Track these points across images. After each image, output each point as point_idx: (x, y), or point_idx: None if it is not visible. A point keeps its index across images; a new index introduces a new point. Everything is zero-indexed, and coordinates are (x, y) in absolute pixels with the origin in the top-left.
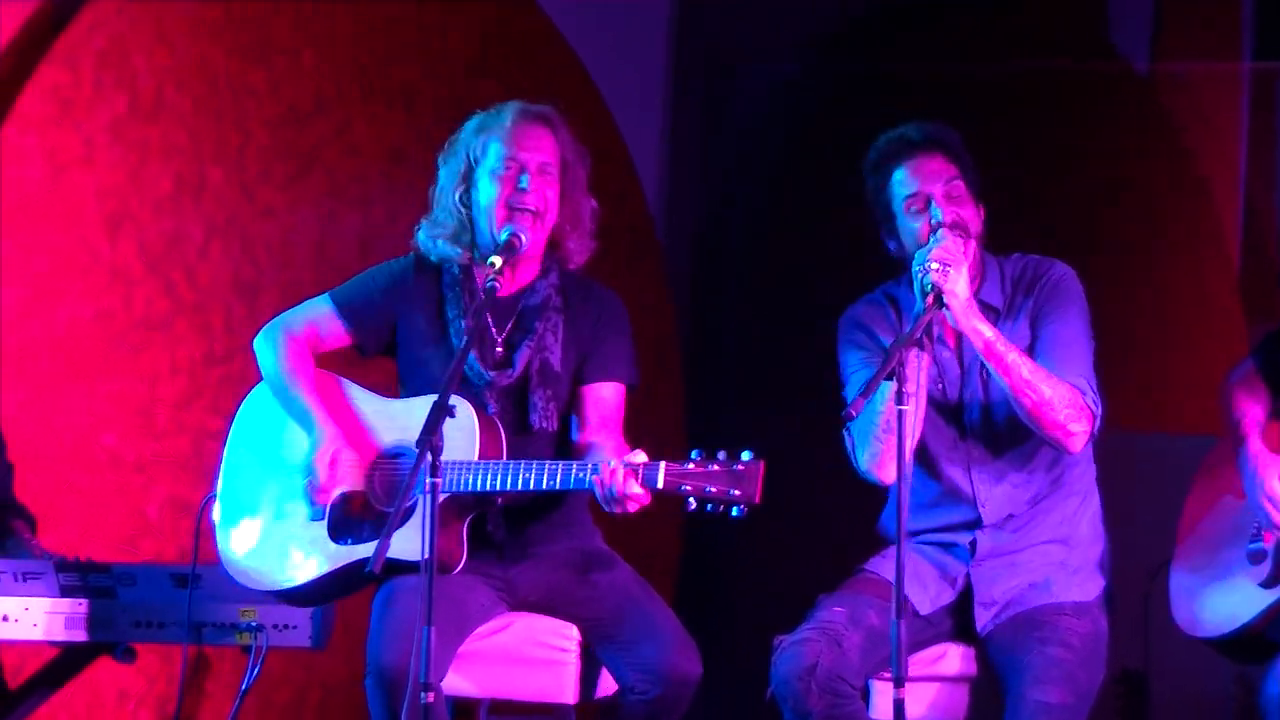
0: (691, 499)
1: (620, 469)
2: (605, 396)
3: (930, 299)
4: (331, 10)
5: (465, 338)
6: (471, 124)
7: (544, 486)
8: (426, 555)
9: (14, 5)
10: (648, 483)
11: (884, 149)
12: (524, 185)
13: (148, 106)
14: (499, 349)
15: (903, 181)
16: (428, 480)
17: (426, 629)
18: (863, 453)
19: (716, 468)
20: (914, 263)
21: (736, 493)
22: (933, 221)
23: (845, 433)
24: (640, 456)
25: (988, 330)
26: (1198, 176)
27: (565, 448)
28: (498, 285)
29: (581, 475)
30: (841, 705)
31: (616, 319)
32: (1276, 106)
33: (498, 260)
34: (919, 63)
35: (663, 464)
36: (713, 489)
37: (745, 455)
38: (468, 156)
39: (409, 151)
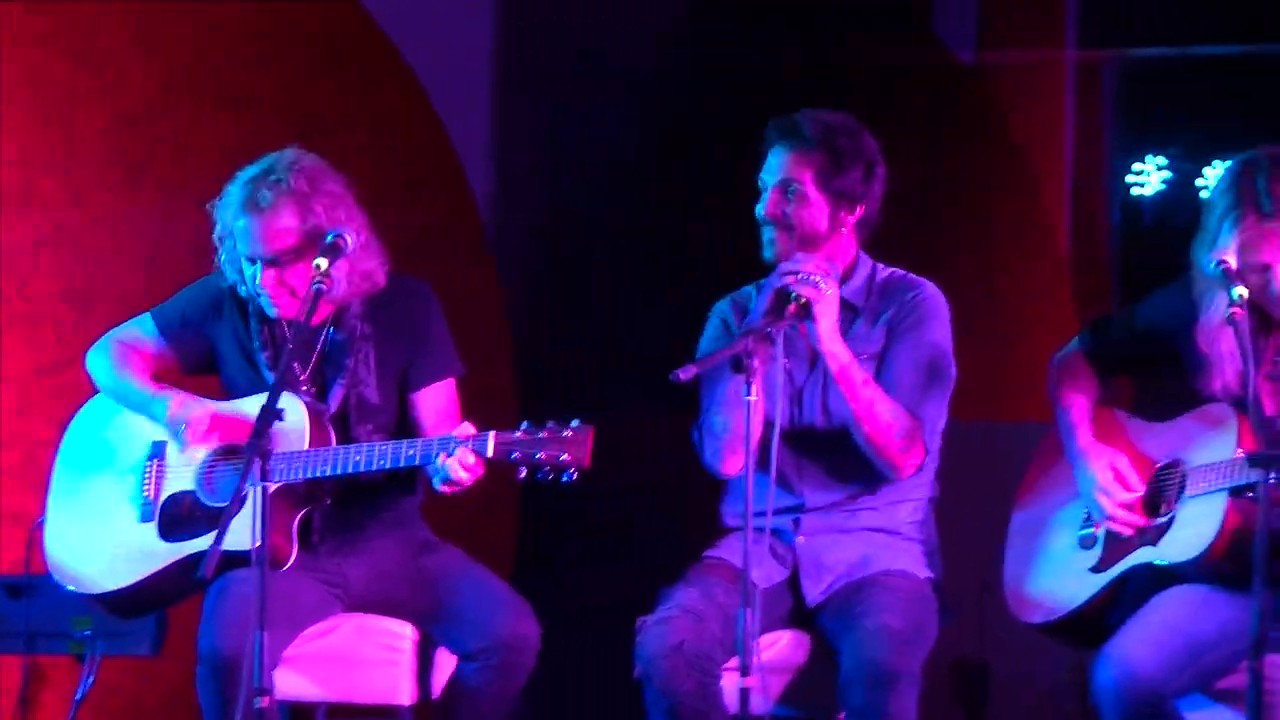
0: (522, 467)
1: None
2: (437, 395)
3: (794, 307)
4: (161, 15)
5: (281, 367)
6: (222, 197)
7: (374, 467)
8: (258, 547)
9: None
10: (477, 451)
11: (768, 130)
12: (260, 287)
13: None
14: (305, 386)
15: (764, 168)
16: (259, 485)
17: (259, 634)
18: (708, 448)
19: (545, 435)
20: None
21: (565, 457)
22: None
23: (693, 430)
24: (468, 429)
25: (844, 354)
26: (1025, 166)
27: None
28: (325, 288)
29: (412, 453)
30: (709, 685)
31: (429, 312)
32: (1102, 95)
33: (323, 262)
34: (737, 51)
35: (492, 433)
36: (541, 455)
37: (574, 422)
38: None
39: (241, 156)
